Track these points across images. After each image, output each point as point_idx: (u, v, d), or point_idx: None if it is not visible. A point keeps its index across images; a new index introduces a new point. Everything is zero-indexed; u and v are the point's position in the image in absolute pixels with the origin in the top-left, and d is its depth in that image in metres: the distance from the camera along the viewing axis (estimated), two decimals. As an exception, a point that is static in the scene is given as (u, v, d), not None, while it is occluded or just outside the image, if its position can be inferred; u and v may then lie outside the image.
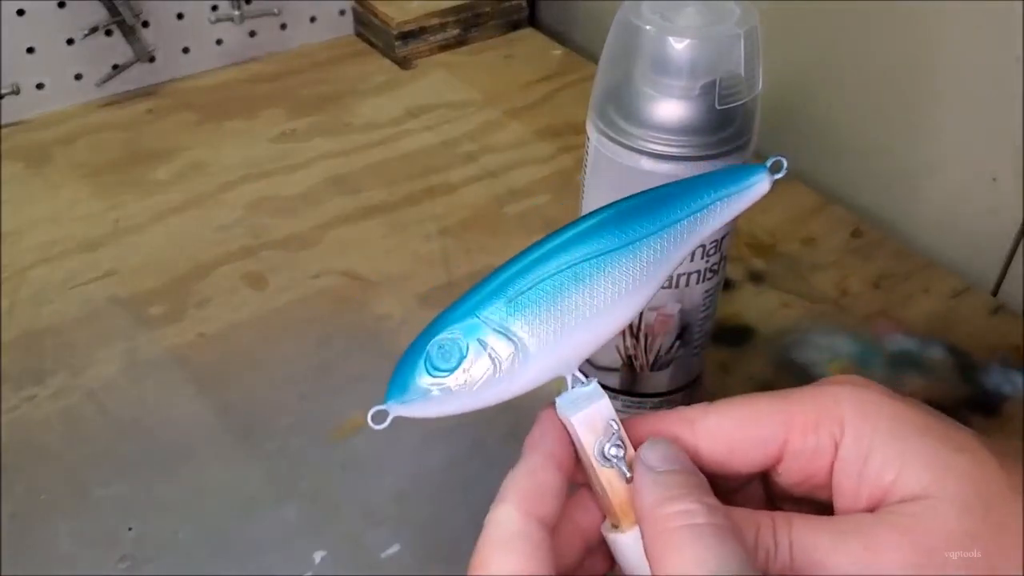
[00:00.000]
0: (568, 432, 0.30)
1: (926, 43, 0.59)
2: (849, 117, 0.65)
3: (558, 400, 0.30)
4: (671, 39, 0.36)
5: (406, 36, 0.78)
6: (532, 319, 0.29)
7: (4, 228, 0.60)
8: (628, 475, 0.29)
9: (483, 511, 0.45)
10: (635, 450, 0.29)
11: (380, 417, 0.28)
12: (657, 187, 0.31)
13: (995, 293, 0.59)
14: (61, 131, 0.70)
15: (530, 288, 0.29)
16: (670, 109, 0.37)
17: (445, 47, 0.80)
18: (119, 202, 0.63)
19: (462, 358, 0.28)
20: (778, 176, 0.31)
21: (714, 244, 0.40)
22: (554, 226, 0.67)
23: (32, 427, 0.48)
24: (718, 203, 0.30)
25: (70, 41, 0.70)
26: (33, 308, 0.55)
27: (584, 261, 0.29)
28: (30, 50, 0.69)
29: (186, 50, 0.75)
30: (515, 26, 0.84)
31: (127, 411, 0.49)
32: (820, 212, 0.64)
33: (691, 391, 0.47)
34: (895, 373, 0.52)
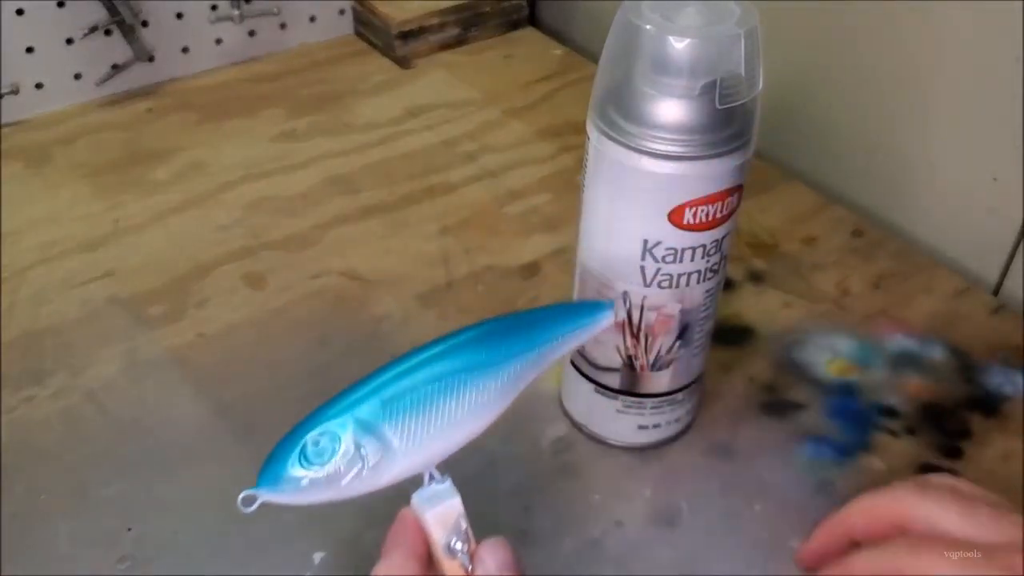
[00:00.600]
0: (424, 526, 0.33)
1: (926, 43, 0.58)
2: (849, 117, 0.65)
3: (414, 496, 0.32)
4: (671, 39, 0.36)
5: (406, 36, 0.78)
6: (402, 423, 0.31)
7: (4, 228, 0.60)
8: (469, 567, 0.32)
9: (482, 511, 0.45)
10: (477, 545, 0.32)
11: (248, 501, 0.31)
12: (521, 313, 0.35)
13: (996, 293, 0.59)
14: (61, 131, 0.70)
15: (404, 394, 0.31)
16: (670, 109, 0.37)
17: (445, 47, 0.80)
18: (119, 202, 0.63)
19: (334, 454, 0.31)
20: (621, 316, 0.36)
21: (714, 244, 0.40)
22: (554, 225, 0.67)
23: (32, 427, 0.48)
24: (572, 333, 0.35)
25: (69, 41, 0.70)
26: (33, 308, 0.55)
27: (454, 374, 0.32)
28: (29, 50, 0.69)
29: (185, 50, 0.75)
30: (515, 26, 0.83)
31: (127, 411, 0.49)
32: (820, 212, 0.64)
33: (691, 391, 0.46)
34: (895, 373, 0.52)
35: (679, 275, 0.41)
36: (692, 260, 0.40)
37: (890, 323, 0.55)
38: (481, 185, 0.66)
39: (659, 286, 0.41)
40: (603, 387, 0.46)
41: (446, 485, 0.33)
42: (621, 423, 0.46)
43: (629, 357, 0.44)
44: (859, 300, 0.57)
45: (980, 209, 0.59)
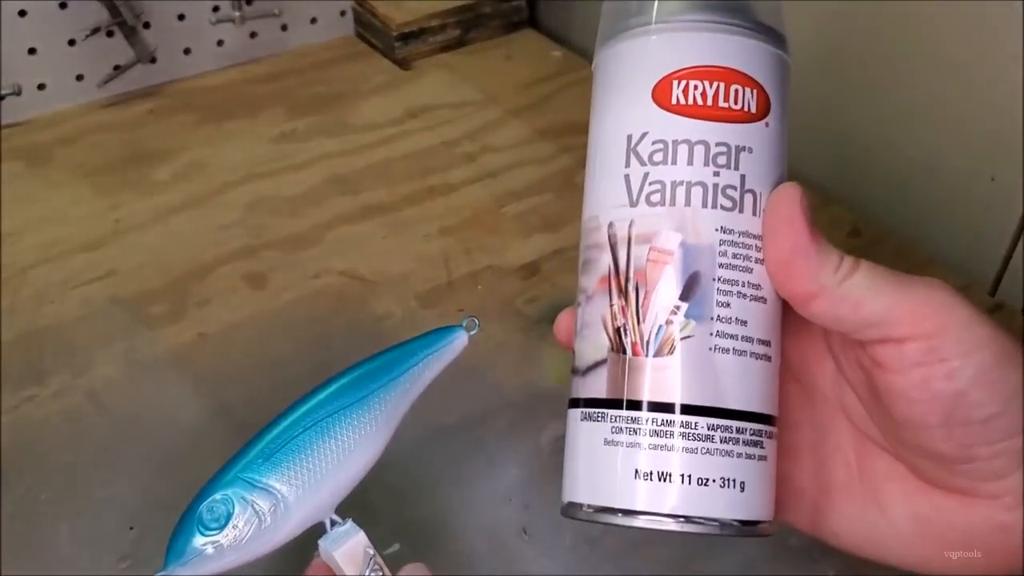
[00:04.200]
0: (336, 569, 0.34)
1: (926, 42, 0.59)
2: (849, 116, 0.65)
3: (321, 542, 0.34)
4: None
5: (406, 37, 0.78)
6: (287, 472, 0.33)
7: (5, 228, 0.61)
8: None
9: (483, 510, 0.45)
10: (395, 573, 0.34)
11: None
12: (381, 353, 0.37)
13: (993, 292, 0.59)
14: (62, 131, 0.70)
15: (284, 446, 0.34)
16: None
17: (445, 48, 0.80)
18: (120, 202, 0.63)
19: (229, 515, 0.33)
20: (473, 333, 0.37)
21: (722, 148, 0.33)
22: (554, 225, 0.67)
23: (32, 427, 0.48)
24: (428, 358, 0.37)
25: (71, 42, 0.70)
26: (34, 308, 0.55)
27: (328, 417, 0.34)
28: (32, 51, 0.69)
29: (187, 51, 0.75)
30: (515, 27, 0.84)
31: (127, 411, 0.49)
32: (820, 211, 0.63)
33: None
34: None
35: (673, 184, 0.31)
36: (690, 163, 0.31)
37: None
38: (481, 185, 0.66)
39: (648, 202, 0.31)
40: (590, 404, 0.31)
41: (348, 525, 0.34)
42: (612, 467, 0.30)
43: (617, 331, 0.30)
44: (858, 300, 0.57)
45: (978, 208, 0.59)
